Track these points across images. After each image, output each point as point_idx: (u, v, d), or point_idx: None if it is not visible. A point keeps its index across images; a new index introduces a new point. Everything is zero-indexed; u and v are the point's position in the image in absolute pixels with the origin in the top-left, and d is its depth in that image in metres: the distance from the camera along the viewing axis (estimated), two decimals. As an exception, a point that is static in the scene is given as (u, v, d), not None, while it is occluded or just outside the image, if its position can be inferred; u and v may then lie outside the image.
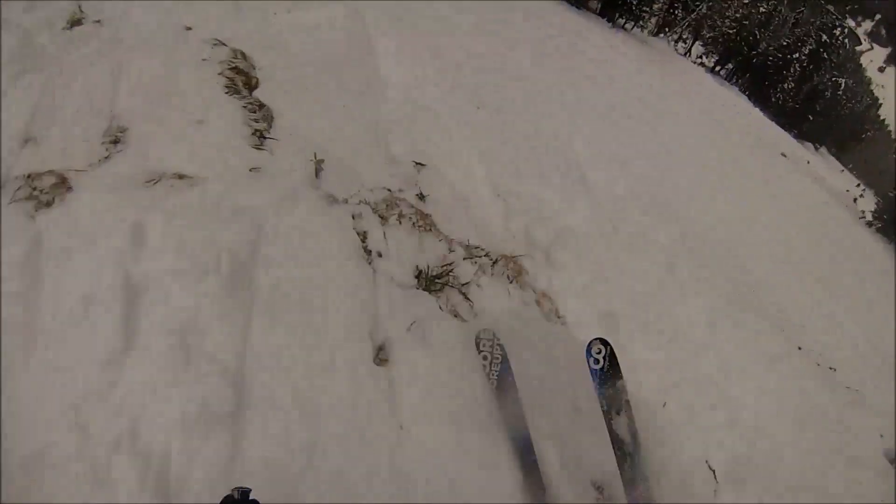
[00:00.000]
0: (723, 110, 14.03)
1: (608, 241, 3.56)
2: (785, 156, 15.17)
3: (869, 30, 76.08)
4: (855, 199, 17.70)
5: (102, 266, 1.96)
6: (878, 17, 75.38)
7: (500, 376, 2.14)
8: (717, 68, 25.02)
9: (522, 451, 2.02)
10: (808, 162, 19.36)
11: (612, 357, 2.07)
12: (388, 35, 4.42)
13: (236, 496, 1.14)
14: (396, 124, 3.49)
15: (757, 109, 21.23)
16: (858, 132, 37.51)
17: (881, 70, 69.88)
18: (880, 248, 12.42)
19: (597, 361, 2.07)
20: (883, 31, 75.13)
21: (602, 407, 2.08)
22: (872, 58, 67.95)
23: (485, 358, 2.19)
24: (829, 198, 14.05)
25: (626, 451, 2.02)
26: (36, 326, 1.77)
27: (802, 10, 28.76)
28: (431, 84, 4.18)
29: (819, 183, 15.64)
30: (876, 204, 17.55)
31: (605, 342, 2.08)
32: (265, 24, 3.74)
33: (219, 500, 1.17)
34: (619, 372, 2.09)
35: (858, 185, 27.90)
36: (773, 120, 23.54)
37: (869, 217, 15.70)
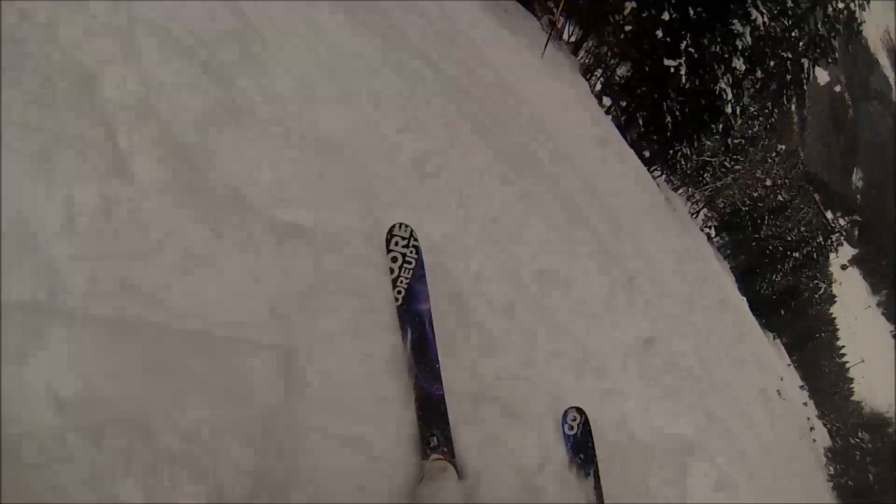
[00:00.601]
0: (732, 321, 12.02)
1: None
2: (780, 393, 13.33)
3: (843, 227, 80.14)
4: (811, 428, 17.23)
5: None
6: (855, 216, 79.78)
7: (410, 287, 1.62)
8: (715, 238, 23.85)
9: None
10: (782, 379, 18.16)
11: (585, 424, 2.10)
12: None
13: None
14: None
15: (744, 301, 19.80)
16: (814, 332, 37.50)
17: (843, 268, 73.19)
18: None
19: (571, 428, 2.09)
20: (856, 232, 79.32)
21: (571, 471, 2.08)
22: (839, 254, 71.21)
23: (394, 260, 1.68)
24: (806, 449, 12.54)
25: None
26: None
27: (796, 196, 28.43)
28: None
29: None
30: (831, 439, 17.62)
31: (580, 410, 2.10)
32: None
33: None
34: (592, 439, 2.10)
35: (803, 386, 28.05)
36: (750, 309, 22.35)
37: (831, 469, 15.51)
